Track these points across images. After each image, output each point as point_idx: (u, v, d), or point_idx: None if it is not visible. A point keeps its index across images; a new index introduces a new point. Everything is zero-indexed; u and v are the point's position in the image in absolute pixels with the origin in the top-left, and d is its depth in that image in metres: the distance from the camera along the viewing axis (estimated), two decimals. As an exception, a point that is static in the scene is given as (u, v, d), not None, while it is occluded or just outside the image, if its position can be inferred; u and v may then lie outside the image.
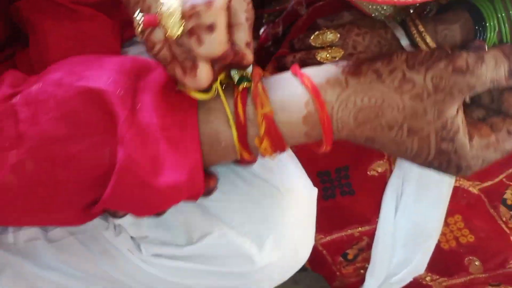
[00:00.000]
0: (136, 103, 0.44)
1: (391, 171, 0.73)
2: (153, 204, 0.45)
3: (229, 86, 0.46)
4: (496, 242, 0.74)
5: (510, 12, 0.62)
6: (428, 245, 0.74)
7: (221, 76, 0.46)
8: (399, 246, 0.76)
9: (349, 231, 0.77)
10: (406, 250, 0.76)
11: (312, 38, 0.68)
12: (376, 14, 0.67)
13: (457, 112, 0.44)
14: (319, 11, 0.74)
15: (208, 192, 0.48)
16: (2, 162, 0.42)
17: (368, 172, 0.74)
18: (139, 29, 0.42)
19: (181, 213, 0.58)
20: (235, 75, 0.46)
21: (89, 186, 0.44)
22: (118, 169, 0.41)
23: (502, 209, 0.73)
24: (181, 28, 0.40)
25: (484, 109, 0.48)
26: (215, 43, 0.40)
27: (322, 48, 0.68)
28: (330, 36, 0.67)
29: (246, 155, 0.46)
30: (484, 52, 0.44)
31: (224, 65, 0.44)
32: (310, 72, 0.46)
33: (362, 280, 0.83)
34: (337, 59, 0.67)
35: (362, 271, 0.82)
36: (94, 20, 0.63)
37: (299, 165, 0.63)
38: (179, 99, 0.45)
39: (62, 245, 0.64)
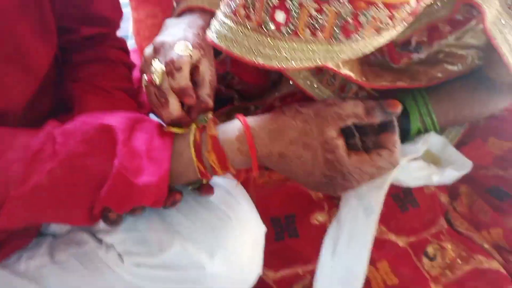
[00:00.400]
0: (132, 135, 0.62)
1: (330, 223, 0.86)
2: (133, 197, 0.60)
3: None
4: (417, 285, 0.82)
5: (430, 109, 0.84)
6: (356, 285, 0.80)
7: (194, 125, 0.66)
8: (335, 284, 0.81)
9: (295, 270, 0.84)
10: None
11: None
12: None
13: (338, 137, 0.61)
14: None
15: (174, 203, 0.65)
16: (41, 170, 0.57)
17: (311, 221, 0.87)
18: (144, 86, 0.66)
19: (154, 231, 0.72)
20: (199, 118, 0.66)
21: (93, 188, 0.59)
22: (114, 172, 0.58)
23: (425, 260, 0.85)
24: (161, 78, 0.62)
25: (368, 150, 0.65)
26: (182, 78, 0.62)
27: None
28: None
29: (200, 167, 0.64)
30: (346, 97, 0.69)
31: (196, 111, 0.65)
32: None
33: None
34: None
35: None
36: (121, 99, 0.87)
37: (254, 208, 0.78)
38: (162, 134, 0.65)
39: (65, 266, 0.75)
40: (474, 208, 0.91)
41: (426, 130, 0.89)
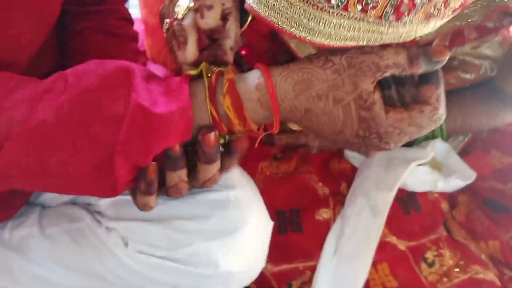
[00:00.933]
0: (149, 77, 0.56)
1: (334, 220, 0.87)
2: (154, 130, 0.51)
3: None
4: None
5: None
6: (357, 285, 0.81)
7: (206, 65, 0.59)
8: (336, 282, 0.81)
9: (295, 265, 0.84)
10: (341, 285, 0.81)
11: None
12: None
13: (374, 91, 0.53)
14: None
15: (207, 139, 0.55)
16: (48, 106, 0.50)
17: (315, 217, 0.87)
18: (164, 30, 0.61)
19: (165, 229, 0.69)
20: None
21: (109, 127, 0.50)
22: (131, 106, 0.50)
23: (423, 265, 0.86)
24: (185, 13, 0.57)
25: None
26: (211, 17, 0.57)
27: None
28: None
29: (213, 112, 0.55)
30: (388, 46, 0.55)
31: (210, 53, 0.59)
32: None
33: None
34: None
35: None
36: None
37: (262, 203, 0.75)
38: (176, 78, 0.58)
39: (56, 240, 0.72)
40: (471, 217, 0.93)
41: (433, 137, 0.90)
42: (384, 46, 0.54)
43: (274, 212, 0.86)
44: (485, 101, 0.88)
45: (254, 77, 0.57)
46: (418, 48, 0.55)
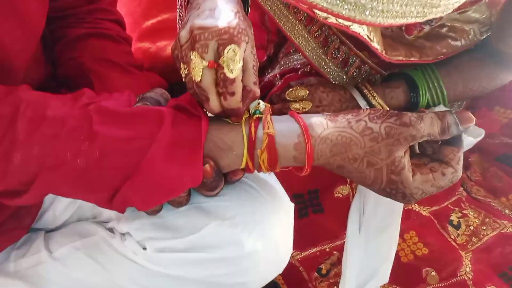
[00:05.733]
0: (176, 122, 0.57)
1: (353, 195, 0.85)
2: (161, 193, 0.57)
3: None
4: (447, 254, 0.82)
5: (440, 82, 0.85)
6: (389, 256, 0.80)
7: (246, 114, 0.60)
8: (366, 258, 0.81)
9: (321, 247, 0.83)
10: (372, 261, 0.81)
11: (287, 93, 0.86)
12: (337, 79, 0.90)
13: (405, 154, 0.58)
14: (290, 80, 0.95)
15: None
16: (76, 149, 0.53)
17: (334, 194, 0.85)
18: (183, 75, 0.58)
19: (181, 216, 0.65)
20: (252, 109, 0.61)
21: (121, 175, 0.55)
22: (143, 167, 0.54)
23: (450, 228, 0.85)
24: (201, 75, 0.55)
25: (428, 158, 0.61)
26: (234, 102, 0.56)
27: (295, 101, 0.86)
28: (301, 92, 0.85)
29: (249, 164, 0.59)
30: (424, 114, 0.58)
31: (246, 103, 0.58)
32: (303, 116, 0.60)
33: (336, 297, 0.83)
34: (306, 110, 0.84)
35: (335, 287, 0.83)
36: (142, 78, 0.84)
37: (280, 185, 0.72)
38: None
39: (69, 261, 0.69)
40: (487, 175, 0.92)
41: (435, 104, 0.89)
42: (421, 117, 0.58)
43: (292, 196, 0.82)
44: (484, 65, 0.87)
45: (293, 134, 0.59)
46: (449, 116, 0.59)
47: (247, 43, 0.56)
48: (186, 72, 0.57)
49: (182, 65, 0.58)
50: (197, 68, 0.55)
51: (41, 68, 0.75)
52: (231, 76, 0.54)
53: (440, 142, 0.61)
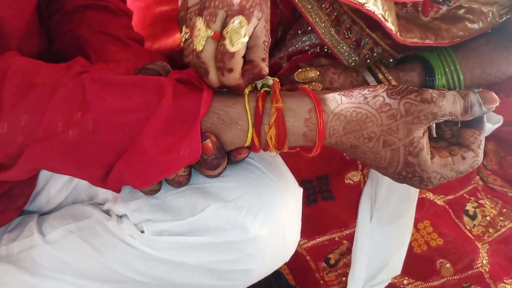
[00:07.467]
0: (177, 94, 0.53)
1: (364, 182, 0.82)
2: (155, 173, 0.53)
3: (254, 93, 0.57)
4: (463, 245, 0.78)
5: (457, 66, 0.81)
6: (401, 247, 0.77)
7: (249, 87, 0.56)
8: (377, 248, 0.78)
9: (330, 236, 0.79)
10: (383, 251, 0.77)
11: (296, 74, 0.82)
12: (350, 61, 0.86)
13: (423, 134, 0.54)
14: (298, 61, 0.91)
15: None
16: (67, 120, 0.50)
17: (345, 180, 0.82)
18: (183, 39, 0.55)
19: (181, 196, 0.61)
20: (259, 83, 0.56)
21: (115, 152, 0.52)
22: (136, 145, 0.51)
23: (466, 219, 0.81)
24: (203, 45, 0.51)
25: (446, 142, 0.58)
26: (231, 78, 0.52)
27: (304, 83, 0.82)
28: (311, 73, 0.81)
29: (255, 140, 0.54)
30: (446, 91, 0.54)
31: (249, 78, 0.54)
32: (315, 91, 0.57)
33: (344, 288, 0.81)
34: None
35: (344, 278, 0.79)
36: (143, 52, 0.79)
37: (287, 168, 0.68)
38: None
39: (62, 245, 0.65)
40: (504, 164, 0.88)
41: (450, 89, 0.85)
42: (443, 94, 0.54)
43: (300, 182, 0.78)
44: (503, 49, 0.83)
45: (304, 109, 0.55)
46: (472, 95, 0.55)
47: (259, 19, 0.52)
48: (187, 37, 0.54)
49: (184, 28, 0.54)
50: (201, 36, 0.52)
51: (36, 41, 0.71)
52: (230, 49, 0.50)
53: (459, 125, 0.58)
